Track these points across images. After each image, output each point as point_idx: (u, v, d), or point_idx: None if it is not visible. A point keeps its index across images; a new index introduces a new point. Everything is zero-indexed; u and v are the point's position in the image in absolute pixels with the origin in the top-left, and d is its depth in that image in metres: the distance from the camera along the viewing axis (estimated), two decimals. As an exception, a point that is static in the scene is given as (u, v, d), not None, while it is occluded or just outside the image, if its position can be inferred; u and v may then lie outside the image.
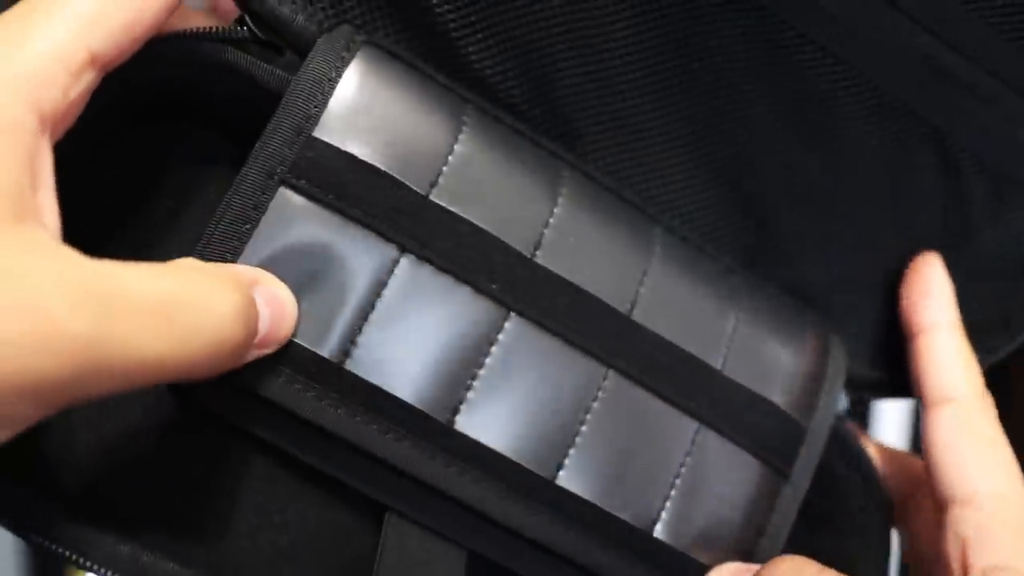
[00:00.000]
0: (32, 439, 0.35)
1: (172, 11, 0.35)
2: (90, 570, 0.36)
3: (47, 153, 0.32)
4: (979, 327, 0.50)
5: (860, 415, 0.88)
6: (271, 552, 0.40)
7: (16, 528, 0.35)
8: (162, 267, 0.32)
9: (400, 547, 0.39)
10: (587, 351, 0.41)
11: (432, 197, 0.39)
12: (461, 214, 0.40)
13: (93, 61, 0.33)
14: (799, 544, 0.45)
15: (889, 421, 0.90)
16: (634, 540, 0.41)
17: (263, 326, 0.35)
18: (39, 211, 0.31)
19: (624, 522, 0.41)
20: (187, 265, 0.34)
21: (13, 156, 0.30)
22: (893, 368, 0.51)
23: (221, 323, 0.32)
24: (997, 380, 0.56)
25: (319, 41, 0.40)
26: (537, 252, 0.41)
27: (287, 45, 0.40)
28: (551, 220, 0.42)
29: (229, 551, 0.39)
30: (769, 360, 0.46)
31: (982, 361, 0.50)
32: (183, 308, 0.31)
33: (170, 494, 0.39)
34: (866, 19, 0.42)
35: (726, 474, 0.44)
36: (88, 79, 0.33)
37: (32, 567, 0.98)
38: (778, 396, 0.45)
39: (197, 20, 0.40)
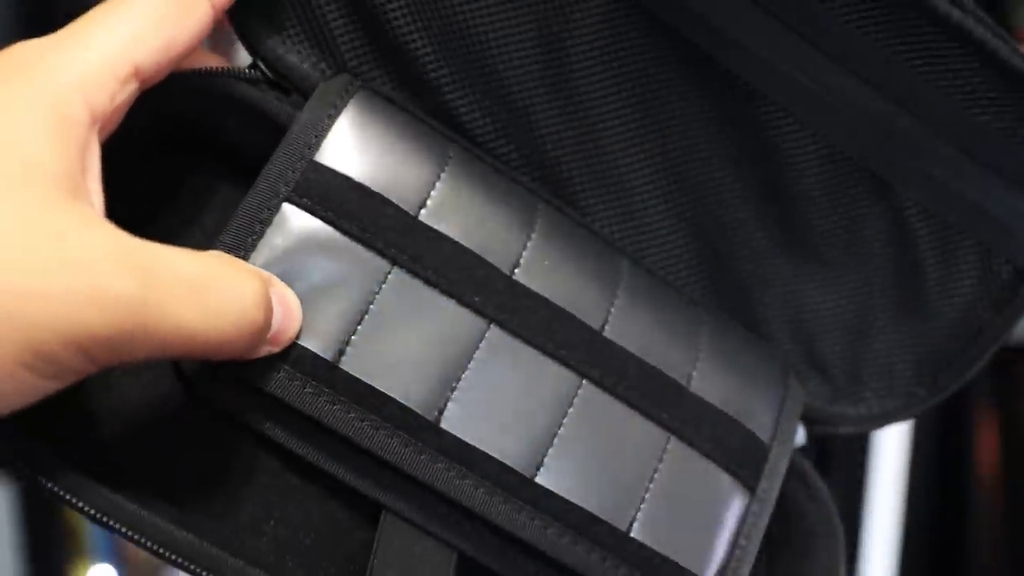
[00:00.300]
0: (65, 404, 0.37)
1: (203, 38, 0.40)
2: (114, 530, 0.39)
3: (96, 146, 0.37)
4: (914, 371, 0.54)
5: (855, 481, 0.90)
6: (275, 542, 0.42)
7: (42, 484, 0.38)
8: (195, 252, 0.36)
9: (394, 544, 0.42)
10: (562, 361, 0.44)
11: (420, 218, 0.43)
12: (446, 233, 0.43)
13: (136, 73, 0.38)
14: (758, 562, 0.48)
15: (887, 459, 0.92)
16: (613, 539, 0.43)
17: (275, 323, 0.39)
18: (89, 193, 0.35)
19: (603, 521, 0.43)
20: (217, 254, 0.38)
21: (69, 145, 0.35)
22: (850, 404, 0.54)
23: (246, 306, 0.36)
24: (998, 376, 0.59)
25: (321, 84, 0.44)
26: (516, 271, 0.44)
27: (293, 88, 0.45)
28: (528, 244, 0.45)
29: (236, 537, 0.42)
30: (731, 384, 0.48)
31: (903, 411, 0.54)
32: (214, 288, 0.35)
33: (184, 480, 0.42)
34: (806, 71, 0.45)
35: (697, 483, 0.46)
36: (130, 89, 0.38)
37: (32, 567, 1.01)
38: (742, 417, 0.48)
39: (213, 62, 0.44)
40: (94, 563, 1.06)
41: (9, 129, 0.34)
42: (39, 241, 0.32)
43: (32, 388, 0.33)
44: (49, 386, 0.33)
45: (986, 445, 0.95)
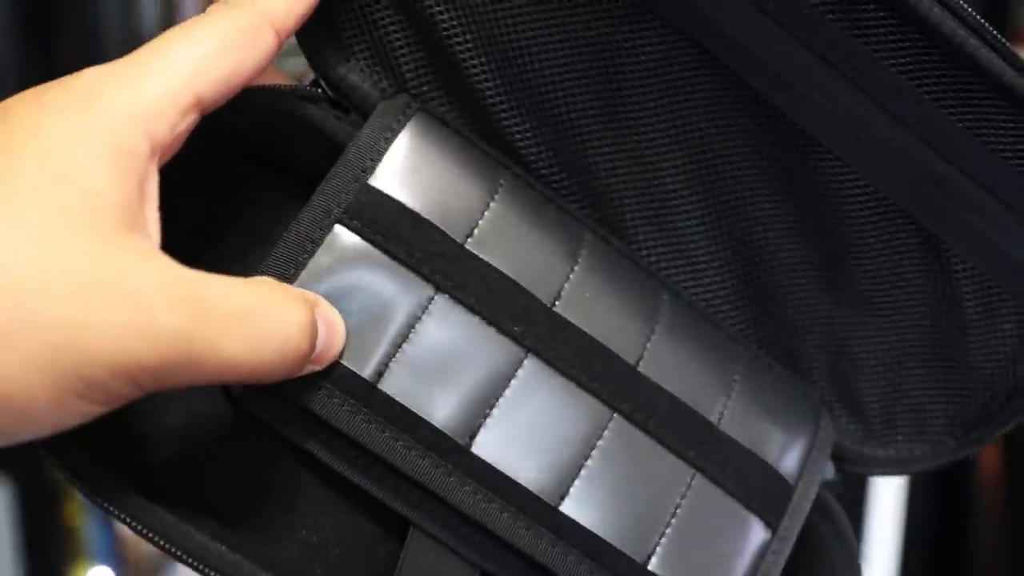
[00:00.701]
0: (115, 422, 0.38)
1: (265, 68, 0.40)
2: (149, 539, 0.40)
3: (155, 176, 0.37)
4: (945, 422, 0.54)
5: (857, 483, 0.91)
6: (305, 550, 0.44)
7: (90, 497, 0.40)
8: (244, 280, 0.37)
9: (419, 560, 0.43)
10: (595, 394, 0.45)
11: (467, 246, 0.44)
12: (492, 262, 0.44)
13: (198, 103, 0.38)
14: None
15: (886, 488, 0.93)
16: (632, 571, 0.45)
17: (319, 343, 0.40)
18: (146, 224, 0.36)
19: (622, 553, 0.44)
20: (266, 280, 0.39)
21: (129, 177, 0.35)
22: (880, 446, 0.55)
23: (290, 333, 0.37)
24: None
25: (380, 105, 0.45)
26: (556, 303, 0.45)
27: (353, 107, 0.46)
28: (571, 276, 0.46)
29: (267, 544, 0.43)
30: (762, 422, 0.49)
31: (931, 459, 0.54)
32: (260, 316, 0.37)
33: (222, 488, 0.43)
34: (870, 132, 0.45)
35: (718, 520, 0.47)
36: (191, 118, 0.38)
37: (31, 568, 1.01)
38: (769, 456, 0.49)
39: (276, 78, 0.45)
40: (93, 564, 1.06)
41: (68, 160, 0.35)
42: (94, 274, 0.33)
43: (80, 413, 0.34)
44: (97, 410, 0.35)
45: (988, 447, 0.95)
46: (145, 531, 0.40)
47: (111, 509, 0.40)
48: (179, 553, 0.41)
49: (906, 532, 0.94)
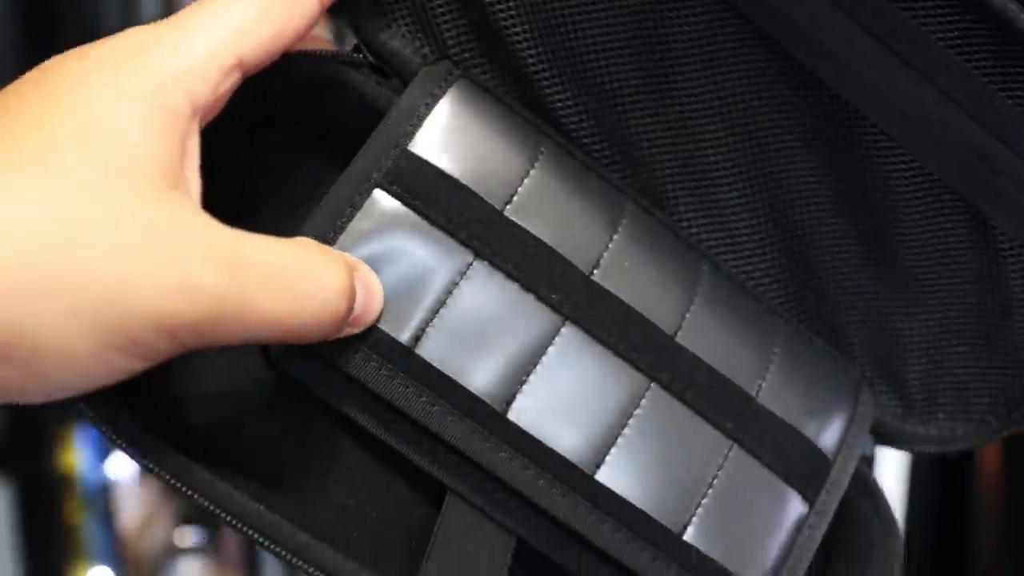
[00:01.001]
0: (154, 380, 0.39)
1: (309, 31, 0.40)
2: (189, 497, 0.41)
3: (196, 135, 0.38)
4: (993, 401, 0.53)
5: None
6: (341, 513, 0.44)
7: (131, 454, 0.40)
8: (284, 240, 0.37)
9: (456, 524, 0.43)
10: (633, 363, 0.45)
11: (506, 213, 0.44)
12: (530, 229, 0.44)
13: (240, 65, 0.38)
14: (813, 569, 0.49)
15: (889, 461, 0.92)
16: (667, 540, 0.44)
17: (357, 306, 0.40)
18: (187, 182, 0.37)
19: (657, 522, 0.44)
20: (305, 241, 0.39)
21: (171, 135, 0.36)
22: (921, 423, 0.54)
23: (329, 294, 0.38)
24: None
25: (421, 71, 0.45)
26: (595, 271, 0.45)
27: (395, 73, 0.46)
28: (610, 245, 0.46)
29: (304, 507, 0.44)
30: (802, 396, 0.49)
31: (972, 437, 0.54)
32: (299, 277, 0.37)
33: (259, 450, 0.44)
34: (917, 106, 0.45)
35: (755, 493, 0.47)
36: (233, 79, 0.38)
37: (31, 568, 1.01)
38: (808, 431, 0.49)
39: (320, 44, 0.45)
40: (92, 564, 1.06)
41: (111, 117, 0.35)
42: (135, 231, 0.34)
43: (120, 368, 0.35)
44: (137, 366, 0.35)
45: (988, 447, 0.96)
46: (186, 489, 0.41)
47: (152, 467, 0.40)
48: (219, 511, 0.41)
49: (906, 534, 0.94)
